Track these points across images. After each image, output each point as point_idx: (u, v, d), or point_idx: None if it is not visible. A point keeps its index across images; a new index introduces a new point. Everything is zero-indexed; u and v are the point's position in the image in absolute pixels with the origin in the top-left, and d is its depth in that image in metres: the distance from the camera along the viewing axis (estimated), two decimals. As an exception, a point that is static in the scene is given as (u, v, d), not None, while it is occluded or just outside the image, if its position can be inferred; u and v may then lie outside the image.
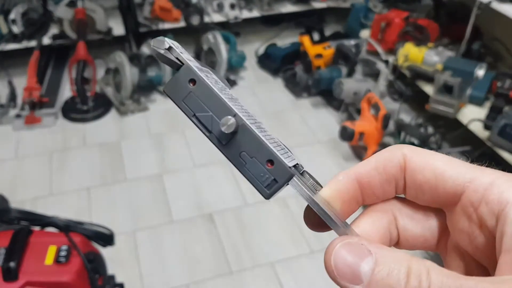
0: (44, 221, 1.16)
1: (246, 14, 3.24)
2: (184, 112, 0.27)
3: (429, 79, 2.40)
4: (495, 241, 0.26)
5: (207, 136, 0.26)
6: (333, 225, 0.27)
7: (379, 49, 2.62)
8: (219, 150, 0.26)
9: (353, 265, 0.24)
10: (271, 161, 0.26)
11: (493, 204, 0.26)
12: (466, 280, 0.23)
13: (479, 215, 0.27)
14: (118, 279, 1.27)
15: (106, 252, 1.25)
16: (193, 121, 0.27)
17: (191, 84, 0.27)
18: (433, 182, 0.28)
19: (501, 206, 0.26)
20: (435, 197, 0.28)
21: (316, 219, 0.28)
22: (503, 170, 0.28)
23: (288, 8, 3.34)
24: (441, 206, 0.29)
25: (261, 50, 3.20)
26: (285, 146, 0.30)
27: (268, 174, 0.26)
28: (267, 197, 0.27)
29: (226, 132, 0.26)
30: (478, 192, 0.27)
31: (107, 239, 1.22)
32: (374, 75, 2.56)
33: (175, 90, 0.27)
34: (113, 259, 1.43)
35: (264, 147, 0.26)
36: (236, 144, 0.26)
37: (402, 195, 0.30)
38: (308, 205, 0.28)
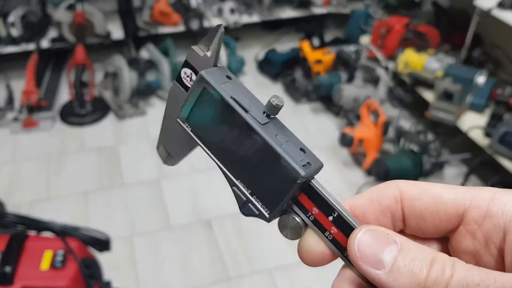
0: (40, 225, 1.14)
1: (246, 19, 3.23)
2: (220, 92, 0.28)
3: (429, 85, 2.39)
4: (502, 257, 0.26)
5: (242, 115, 0.27)
6: (354, 223, 0.27)
7: (379, 55, 2.62)
8: (254, 128, 0.27)
9: (377, 250, 0.25)
10: (302, 150, 0.28)
11: (497, 218, 0.26)
12: (490, 272, 0.23)
13: (484, 232, 0.27)
14: (115, 285, 1.25)
15: (102, 257, 1.23)
16: (229, 102, 0.28)
17: (227, 78, 0.30)
18: (433, 207, 0.28)
19: (506, 217, 0.25)
20: (437, 222, 0.28)
21: (320, 248, 0.28)
22: (503, 178, 0.27)
23: (288, 13, 3.34)
24: (443, 232, 0.28)
25: (261, 55, 3.19)
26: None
27: (303, 156, 0.28)
28: (305, 176, 0.27)
29: (278, 105, 0.28)
30: (480, 208, 0.26)
31: (103, 244, 1.20)
32: (374, 81, 2.55)
33: (215, 76, 0.29)
34: (110, 264, 1.41)
35: (295, 138, 0.29)
36: (271, 128, 0.28)
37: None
38: (307, 231, 0.28)
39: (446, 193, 0.27)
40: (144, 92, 2.74)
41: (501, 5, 2.14)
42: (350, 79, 2.64)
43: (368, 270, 0.25)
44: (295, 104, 2.85)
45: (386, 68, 2.56)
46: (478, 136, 2.13)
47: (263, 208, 0.28)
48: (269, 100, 0.29)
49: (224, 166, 0.29)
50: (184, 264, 1.90)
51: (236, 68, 2.97)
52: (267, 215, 0.28)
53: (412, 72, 2.46)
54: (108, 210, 2.14)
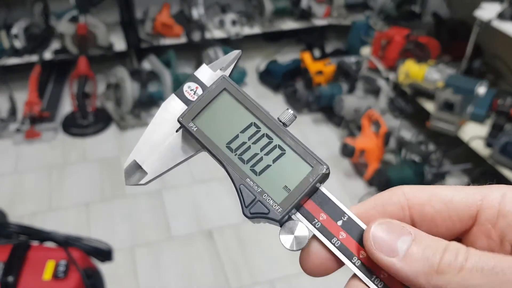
0: (42, 236, 1.15)
1: (247, 30, 3.25)
2: (243, 93, 0.30)
3: (430, 96, 2.40)
4: None
5: (267, 116, 0.30)
6: (365, 226, 0.27)
7: (380, 66, 2.63)
8: (278, 129, 0.30)
9: (391, 240, 0.25)
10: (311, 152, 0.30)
11: (511, 216, 0.26)
12: (505, 256, 0.24)
13: (499, 231, 0.27)
14: (117, 296, 1.25)
15: (104, 268, 1.23)
16: (253, 102, 0.31)
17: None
18: (444, 211, 0.27)
19: None
20: (450, 226, 0.28)
21: (325, 256, 0.28)
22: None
23: (289, 25, 3.35)
24: (456, 234, 0.28)
25: (262, 66, 3.21)
26: None
27: (315, 155, 0.30)
28: (328, 169, 0.28)
29: (295, 117, 0.31)
30: (493, 207, 0.26)
31: (105, 254, 1.20)
32: (375, 92, 2.56)
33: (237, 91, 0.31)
34: (112, 275, 1.41)
35: (302, 144, 0.30)
36: (289, 133, 0.30)
37: None
38: (312, 239, 0.28)
39: (457, 196, 0.27)
40: (146, 103, 2.75)
41: (501, 16, 2.15)
42: (351, 90, 2.65)
43: (382, 258, 0.25)
44: (296, 115, 2.85)
45: (387, 79, 2.56)
46: (479, 147, 2.13)
47: (275, 204, 0.27)
48: (288, 110, 0.31)
49: (231, 164, 0.29)
50: (185, 274, 1.89)
51: (237, 79, 2.98)
52: (279, 212, 0.27)
53: (413, 82, 2.46)
54: (110, 220, 2.14)
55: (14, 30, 2.83)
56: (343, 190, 2.26)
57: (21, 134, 2.60)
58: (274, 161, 0.29)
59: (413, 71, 2.47)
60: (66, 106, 2.89)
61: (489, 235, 0.27)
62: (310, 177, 0.28)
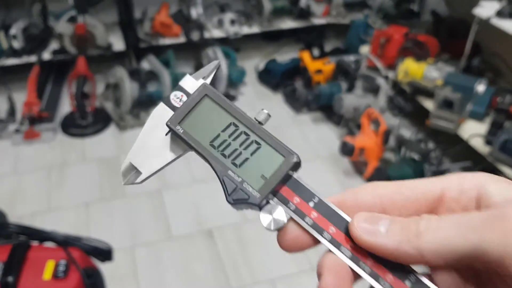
0: (42, 235, 1.14)
1: (246, 30, 3.25)
2: (221, 97, 0.35)
3: (429, 94, 2.40)
4: None
5: (244, 116, 0.34)
6: (333, 206, 0.31)
7: (379, 64, 2.63)
8: (254, 126, 0.33)
9: (373, 224, 0.29)
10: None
11: (470, 191, 0.29)
12: (472, 212, 0.28)
13: (462, 206, 0.30)
14: (117, 295, 1.25)
15: (104, 267, 1.23)
16: (231, 104, 0.34)
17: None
18: (412, 196, 0.31)
19: (478, 188, 0.29)
20: (418, 208, 0.31)
21: (299, 233, 0.31)
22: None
23: (288, 24, 3.35)
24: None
25: (261, 66, 3.21)
26: None
27: (287, 147, 0.33)
28: (298, 159, 0.32)
29: (269, 116, 0.34)
30: (454, 187, 0.30)
31: (105, 254, 1.20)
32: (374, 90, 2.56)
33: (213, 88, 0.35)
34: (112, 274, 1.41)
35: (276, 138, 0.34)
36: (263, 129, 0.33)
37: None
38: (289, 220, 0.31)
39: (421, 183, 0.31)
40: (145, 103, 2.75)
41: (500, 14, 2.15)
42: (350, 88, 2.65)
43: (366, 238, 0.29)
44: (295, 114, 2.85)
45: (386, 77, 2.56)
46: (478, 144, 2.13)
47: (254, 191, 0.32)
48: (263, 110, 0.34)
49: (215, 159, 0.33)
50: (185, 274, 1.89)
51: (237, 78, 2.98)
52: (258, 197, 0.32)
53: (412, 81, 2.46)
54: (109, 221, 2.14)
55: (13, 31, 2.83)
56: (342, 189, 2.26)
57: (20, 134, 2.60)
58: (252, 154, 0.33)
59: (412, 69, 2.47)
60: (65, 106, 2.89)
61: (454, 211, 0.30)
62: (283, 166, 0.32)
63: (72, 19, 2.85)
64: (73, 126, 2.72)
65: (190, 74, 0.36)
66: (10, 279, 0.98)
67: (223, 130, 0.33)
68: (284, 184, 0.32)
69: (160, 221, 2.12)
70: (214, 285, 1.85)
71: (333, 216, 0.31)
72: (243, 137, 0.33)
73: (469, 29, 2.30)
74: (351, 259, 0.30)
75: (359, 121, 2.42)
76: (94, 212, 2.17)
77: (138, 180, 0.35)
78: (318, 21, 3.37)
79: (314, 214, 0.31)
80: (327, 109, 2.74)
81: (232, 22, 3.17)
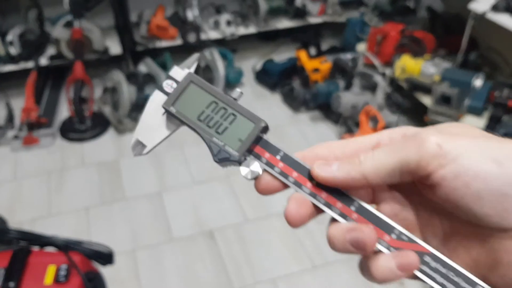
0: (43, 240, 1.14)
1: (242, 30, 3.25)
2: (204, 81, 0.42)
3: (427, 90, 2.40)
4: None
5: (223, 95, 0.41)
6: (296, 157, 0.39)
7: (376, 62, 2.63)
8: (231, 102, 0.41)
9: (327, 166, 0.37)
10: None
11: (397, 135, 0.39)
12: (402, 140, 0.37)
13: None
14: (119, 299, 1.25)
15: (106, 271, 1.23)
16: (212, 87, 0.42)
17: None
18: (355, 147, 0.39)
19: (403, 133, 0.39)
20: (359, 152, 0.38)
21: (271, 179, 0.39)
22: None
23: (284, 23, 3.35)
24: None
25: (258, 66, 3.21)
26: None
27: (257, 116, 0.41)
28: (266, 124, 0.40)
29: (242, 93, 0.42)
30: (386, 137, 0.39)
31: (106, 258, 1.20)
32: (372, 88, 2.56)
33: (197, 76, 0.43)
34: (113, 278, 1.41)
35: (248, 110, 0.41)
36: (238, 103, 0.41)
37: None
38: (263, 172, 0.40)
39: (362, 137, 0.39)
40: (143, 106, 2.72)
41: (495, 8, 2.16)
42: (348, 86, 2.65)
43: (323, 174, 0.36)
44: (293, 113, 2.85)
45: (383, 74, 2.57)
46: (477, 139, 2.13)
47: (234, 151, 0.40)
48: (237, 89, 0.42)
49: (202, 130, 0.41)
50: (187, 276, 1.89)
51: (234, 79, 2.98)
52: (237, 155, 0.40)
53: (409, 77, 2.47)
54: (110, 224, 2.14)
55: (9, 37, 2.82)
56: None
57: (19, 140, 2.60)
58: (230, 123, 0.41)
59: (409, 65, 2.48)
60: (63, 111, 2.89)
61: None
62: (254, 130, 0.40)
63: (68, 24, 2.84)
64: (72, 131, 2.72)
65: (177, 66, 0.44)
66: (11, 285, 0.98)
67: (207, 107, 0.41)
68: (257, 144, 0.40)
69: (161, 223, 2.12)
70: (216, 286, 1.85)
71: (295, 165, 0.39)
72: (222, 111, 0.41)
73: (465, 24, 2.30)
74: (310, 194, 0.38)
75: (358, 119, 2.42)
76: (94, 216, 2.17)
77: (144, 151, 0.43)
78: (314, 20, 3.37)
79: (280, 164, 0.39)
80: (325, 108, 2.74)
81: (228, 23, 3.17)
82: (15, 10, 3.02)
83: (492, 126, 2.07)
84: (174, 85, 0.43)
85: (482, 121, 2.20)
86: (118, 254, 1.27)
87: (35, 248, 1.14)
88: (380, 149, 0.36)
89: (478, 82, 2.26)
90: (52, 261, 1.08)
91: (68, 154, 2.58)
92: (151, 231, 2.09)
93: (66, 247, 1.12)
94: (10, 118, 2.72)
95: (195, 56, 0.45)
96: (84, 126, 2.70)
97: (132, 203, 2.24)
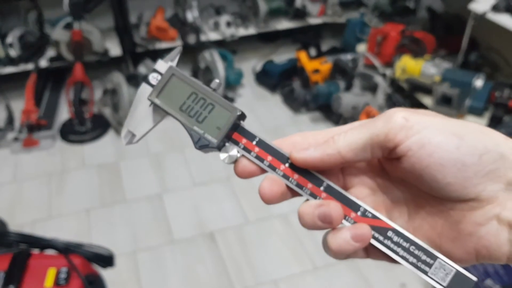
0: (43, 243, 1.14)
1: (242, 31, 3.25)
2: (184, 74, 0.44)
3: (427, 91, 2.40)
4: None
5: (202, 86, 0.43)
6: (271, 143, 0.42)
7: (376, 62, 2.63)
8: (212, 92, 0.43)
9: (305, 149, 0.40)
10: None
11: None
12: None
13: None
14: (120, 301, 1.24)
15: (106, 274, 1.23)
16: (192, 79, 0.44)
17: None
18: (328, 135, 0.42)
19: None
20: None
21: (248, 163, 0.42)
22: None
23: (284, 24, 3.35)
24: None
25: (259, 67, 3.21)
26: None
27: (233, 105, 0.43)
28: (241, 112, 0.43)
29: (220, 84, 0.44)
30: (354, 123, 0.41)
31: (107, 260, 1.19)
32: (372, 88, 2.56)
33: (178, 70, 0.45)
34: (114, 280, 1.40)
35: (225, 100, 0.44)
36: (216, 94, 0.44)
37: None
38: (242, 157, 0.42)
39: (334, 128, 0.42)
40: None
41: (495, 8, 2.15)
42: (348, 87, 2.65)
43: (302, 156, 0.39)
44: (294, 114, 2.85)
45: (384, 75, 2.56)
46: (478, 140, 2.13)
47: (212, 138, 0.43)
48: (216, 80, 0.44)
49: (184, 120, 0.43)
50: (188, 278, 1.89)
51: (234, 80, 2.98)
52: (216, 142, 0.42)
53: (410, 78, 2.46)
54: (110, 226, 2.13)
55: (9, 39, 2.82)
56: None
57: (19, 142, 2.60)
58: (209, 112, 0.43)
59: (409, 66, 2.47)
60: (63, 113, 2.88)
61: None
62: (231, 118, 0.42)
63: (68, 26, 2.84)
64: (72, 133, 2.71)
65: (161, 59, 0.45)
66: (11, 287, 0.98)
67: (188, 98, 0.44)
68: (235, 131, 0.43)
69: (161, 225, 2.12)
70: (217, 288, 1.85)
71: (269, 150, 0.42)
72: (202, 101, 0.44)
73: (465, 24, 2.30)
74: (283, 176, 0.41)
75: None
76: (94, 218, 2.17)
77: (134, 140, 0.46)
78: (314, 20, 3.37)
79: (256, 149, 0.42)
80: (326, 109, 2.73)
81: (228, 24, 3.17)
82: (15, 12, 3.02)
83: (493, 127, 2.06)
84: (159, 77, 0.45)
85: (483, 121, 2.20)
86: (118, 256, 1.26)
87: (35, 251, 1.13)
88: (352, 128, 0.38)
89: (478, 82, 2.25)
90: (52, 264, 1.07)
91: (68, 156, 2.58)
92: (151, 233, 2.09)
93: (66, 249, 1.12)
94: (10, 120, 2.71)
95: (178, 49, 0.47)
96: (84, 128, 2.70)
97: (132, 205, 2.23)
